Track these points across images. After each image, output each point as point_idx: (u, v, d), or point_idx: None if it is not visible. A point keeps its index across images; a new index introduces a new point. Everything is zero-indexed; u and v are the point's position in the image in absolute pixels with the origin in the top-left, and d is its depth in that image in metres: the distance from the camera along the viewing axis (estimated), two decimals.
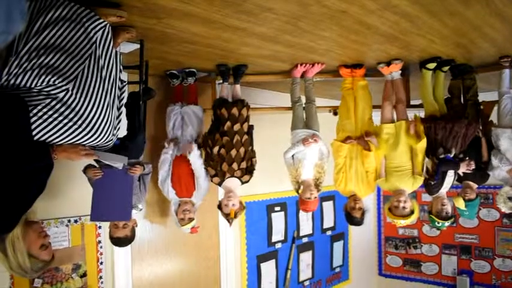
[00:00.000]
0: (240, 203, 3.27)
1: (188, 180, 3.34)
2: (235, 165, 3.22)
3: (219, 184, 3.28)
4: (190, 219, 3.30)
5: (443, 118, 3.30)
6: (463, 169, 3.22)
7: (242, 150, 3.25)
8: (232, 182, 3.24)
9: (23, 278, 2.66)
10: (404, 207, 3.21)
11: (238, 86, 3.52)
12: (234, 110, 3.29)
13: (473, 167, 3.23)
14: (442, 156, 3.20)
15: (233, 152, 3.23)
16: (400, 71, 3.41)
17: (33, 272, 2.14)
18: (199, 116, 3.53)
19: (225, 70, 3.43)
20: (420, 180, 3.27)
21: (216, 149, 3.24)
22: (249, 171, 3.27)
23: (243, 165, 3.25)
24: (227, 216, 3.24)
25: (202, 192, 3.39)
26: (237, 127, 3.29)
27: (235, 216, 3.24)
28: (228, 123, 3.29)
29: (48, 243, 2.21)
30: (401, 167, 3.30)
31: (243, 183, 3.27)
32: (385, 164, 3.38)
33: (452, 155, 3.20)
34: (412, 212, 3.24)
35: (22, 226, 2.05)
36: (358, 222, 3.42)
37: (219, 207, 3.29)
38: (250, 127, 3.39)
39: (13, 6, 0.95)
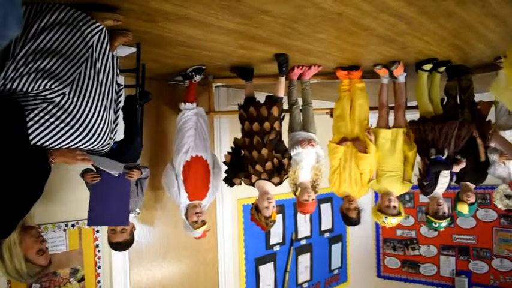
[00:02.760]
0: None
1: (204, 182, 3.27)
2: (259, 167, 3.11)
3: (251, 185, 3.19)
4: (204, 222, 3.17)
5: (433, 119, 3.32)
6: (456, 169, 3.25)
7: (265, 151, 3.12)
8: (265, 184, 3.11)
9: (19, 282, 2.65)
10: (394, 207, 3.31)
11: (281, 79, 3.30)
12: (262, 110, 3.20)
13: (463, 165, 3.25)
14: (433, 157, 3.22)
15: (254, 154, 3.15)
16: (405, 74, 3.42)
17: (30, 277, 2.14)
18: (206, 119, 3.50)
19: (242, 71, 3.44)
20: (408, 186, 3.39)
21: (243, 151, 3.22)
22: (278, 172, 3.10)
23: (269, 166, 3.10)
24: (267, 219, 3.05)
25: (215, 193, 3.37)
26: (256, 127, 3.20)
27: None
28: (247, 123, 3.24)
29: (45, 248, 2.21)
30: (394, 172, 3.38)
31: (275, 185, 3.11)
32: (377, 167, 3.42)
33: (444, 156, 3.22)
34: (400, 213, 3.34)
35: (19, 231, 2.05)
36: (355, 222, 3.43)
37: (256, 209, 3.11)
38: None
39: (9, 11, 0.95)
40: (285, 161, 3.10)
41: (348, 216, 3.41)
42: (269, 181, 3.10)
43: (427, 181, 3.26)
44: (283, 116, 3.34)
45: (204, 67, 3.36)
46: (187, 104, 3.38)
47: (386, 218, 3.31)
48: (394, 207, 3.31)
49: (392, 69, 3.34)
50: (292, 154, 3.23)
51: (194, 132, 3.33)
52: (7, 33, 0.97)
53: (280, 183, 3.12)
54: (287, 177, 3.14)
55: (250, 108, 3.26)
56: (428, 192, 3.34)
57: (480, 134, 3.42)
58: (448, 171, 3.28)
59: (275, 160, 3.11)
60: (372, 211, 3.51)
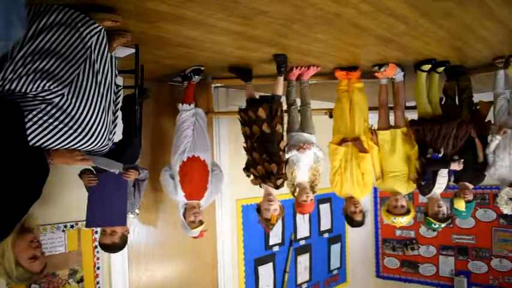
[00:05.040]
0: (280, 207, 3.14)
1: (202, 182, 3.25)
2: (253, 171, 3.18)
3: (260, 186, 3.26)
4: (201, 222, 3.16)
5: (431, 120, 3.33)
6: (453, 167, 3.25)
7: (255, 155, 3.17)
8: (269, 186, 3.16)
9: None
10: (402, 206, 3.33)
11: (279, 79, 3.29)
12: (250, 113, 3.22)
13: (461, 166, 3.25)
14: (429, 156, 3.23)
15: (249, 157, 3.22)
16: (402, 73, 3.43)
17: (19, 281, 2.12)
18: (205, 120, 3.50)
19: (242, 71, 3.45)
20: (414, 186, 3.40)
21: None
22: (268, 177, 3.12)
23: (260, 170, 3.15)
24: (267, 221, 3.11)
25: (215, 195, 3.37)
26: (247, 131, 3.24)
27: (276, 222, 3.12)
28: (241, 128, 3.30)
29: (40, 254, 2.17)
30: (397, 171, 3.39)
31: (274, 188, 3.15)
32: (382, 167, 3.44)
33: (441, 155, 3.22)
34: (409, 211, 3.35)
35: (15, 234, 2.03)
36: (359, 224, 3.43)
37: (258, 210, 3.18)
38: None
39: (12, 13, 0.95)
40: (273, 165, 3.09)
41: (353, 219, 3.39)
42: (266, 184, 3.12)
43: (424, 181, 3.27)
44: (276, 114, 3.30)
45: (202, 68, 3.36)
46: (184, 105, 3.37)
47: (395, 218, 3.33)
48: (402, 206, 3.33)
49: (381, 71, 3.35)
50: (288, 156, 3.23)
51: (191, 132, 3.31)
52: (11, 35, 0.97)
53: (276, 187, 3.13)
54: (281, 181, 3.13)
55: (241, 114, 3.29)
56: (426, 192, 3.35)
57: (479, 134, 3.43)
58: (446, 171, 3.29)
59: (266, 164, 3.12)
60: (381, 211, 3.53)
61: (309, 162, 3.28)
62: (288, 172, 3.23)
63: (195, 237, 3.23)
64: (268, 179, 3.11)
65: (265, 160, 3.12)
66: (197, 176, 3.23)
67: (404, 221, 3.35)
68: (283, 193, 3.30)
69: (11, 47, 1.84)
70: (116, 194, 2.74)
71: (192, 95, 3.43)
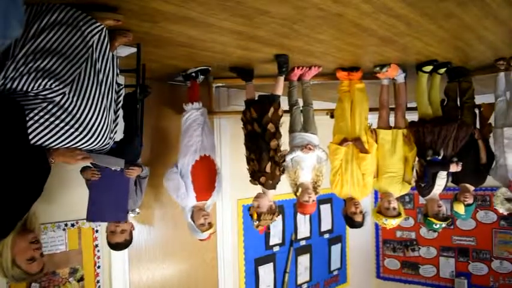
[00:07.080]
0: (269, 207, 3.11)
1: (212, 181, 3.25)
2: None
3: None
4: (210, 225, 3.14)
5: (431, 121, 3.33)
6: (453, 170, 3.25)
7: (247, 153, 3.27)
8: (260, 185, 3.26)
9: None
10: (394, 208, 3.33)
11: (280, 79, 3.32)
12: (247, 114, 3.29)
13: (459, 168, 3.25)
14: (429, 158, 3.23)
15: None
16: (403, 74, 3.43)
17: (14, 280, 2.11)
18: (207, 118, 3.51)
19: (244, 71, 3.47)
20: (408, 188, 3.41)
21: None
22: (252, 175, 3.22)
23: (249, 169, 3.25)
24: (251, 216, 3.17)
25: (219, 193, 3.39)
26: (244, 131, 3.31)
27: (258, 219, 3.09)
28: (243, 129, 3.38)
29: (39, 255, 2.14)
30: (394, 172, 3.40)
31: (261, 186, 3.23)
32: (377, 166, 3.44)
33: (440, 157, 3.22)
34: (400, 213, 3.35)
35: (15, 233, 2.02)
36: (359, 225, 3.42)
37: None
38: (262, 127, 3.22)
39: (10, 11, 0.95)
40: (255, 163, 3.15)
41: (354, 220, 3.37)
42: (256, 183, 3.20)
43: (424, 182, 3.27)
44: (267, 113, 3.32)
45: (210, 68, 3.37)
46: (195, 103, 3.36)
47: (386, 220, 3.32)
48: (394, 208, 3.32)
49: (383, 71, 3.35)
50: (292, 156, 3.25)
51: (201, 131, 3.32)
52: (9, 33, 0.97)
53: (262, 185, 3.15)
54: (264, 179, 3.12)
55: (241, 116, 3.35)
56: (426, 193, 3.35)
57: (482, 136, 3.43)
58: (445, 173, 3.29)
59: (251, 162, 3.20)
60: (372, 213, 3.52)
61: (312, 163, 3.29)
62: (291, 172, 3.24)
63: (202, 240, 3.21)
64: (253, 178, 3.18)
65: (251, 159, 3.18)
66: (207, 176, 3.24)
67: (395, 223, 3.34)
68: (284, 193, 3.30)
69: (11, 45, 1.85)
70: (117, 190, 2.75)
71: (198, 94, 3.44)
